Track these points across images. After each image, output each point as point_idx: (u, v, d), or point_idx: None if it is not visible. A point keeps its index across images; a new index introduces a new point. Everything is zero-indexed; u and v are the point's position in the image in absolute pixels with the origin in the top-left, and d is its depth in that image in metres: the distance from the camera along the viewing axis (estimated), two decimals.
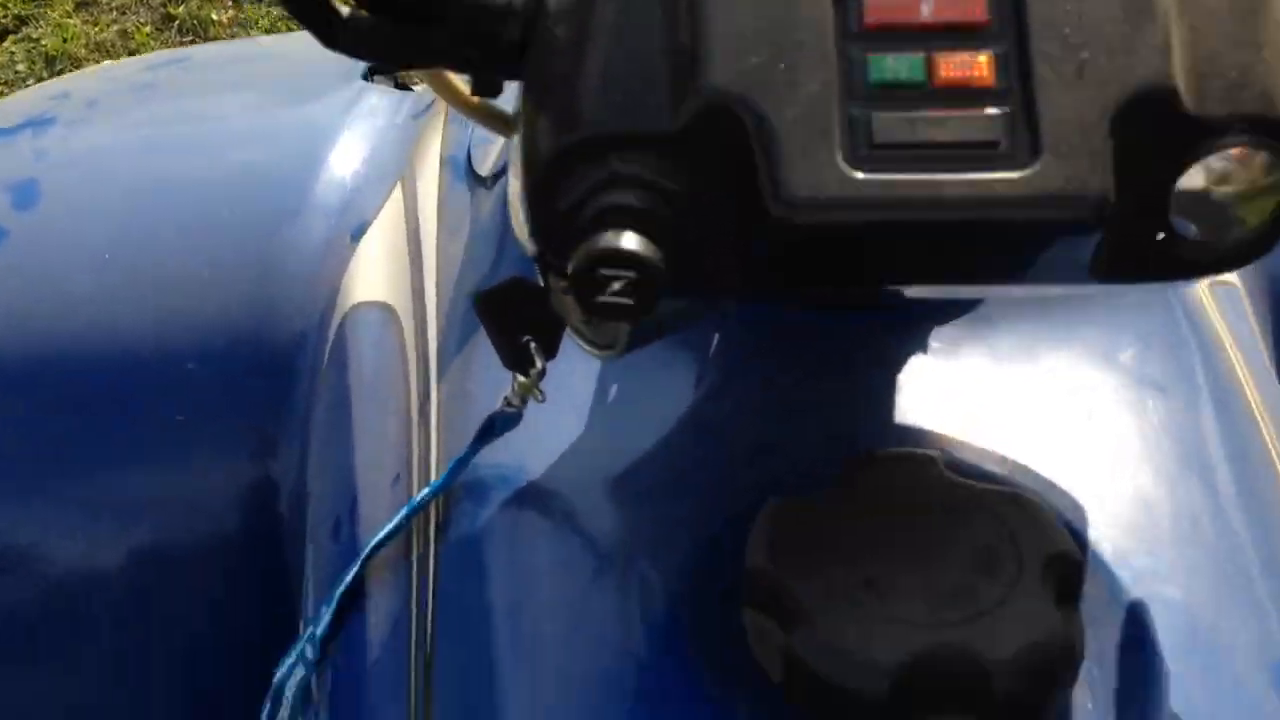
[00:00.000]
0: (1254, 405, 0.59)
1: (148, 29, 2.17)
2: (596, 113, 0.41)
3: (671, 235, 0.40)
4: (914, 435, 0.53)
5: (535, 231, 0.43)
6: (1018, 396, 0.56)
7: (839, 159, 0.39)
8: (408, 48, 0.44)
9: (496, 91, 0.46)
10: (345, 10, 0.43)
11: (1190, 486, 0.54)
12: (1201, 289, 0.63)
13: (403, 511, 0.56)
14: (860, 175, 0.39)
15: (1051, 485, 0.52)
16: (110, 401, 0.71)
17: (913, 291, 0.46)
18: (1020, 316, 0.58)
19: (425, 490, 0.56)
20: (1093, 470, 0.54)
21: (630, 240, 0.40)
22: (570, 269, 0.40)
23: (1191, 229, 0.42)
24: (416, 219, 0.72)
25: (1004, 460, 0.53)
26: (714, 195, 0.41)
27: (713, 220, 0.41)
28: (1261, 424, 0.58)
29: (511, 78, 0.45)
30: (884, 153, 0.40)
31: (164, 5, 2.21)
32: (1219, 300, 0.63)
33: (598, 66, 0.41)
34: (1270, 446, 0.58)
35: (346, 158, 0.78)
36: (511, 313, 0.53)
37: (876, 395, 0.55)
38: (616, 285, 0.40)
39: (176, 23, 2.18)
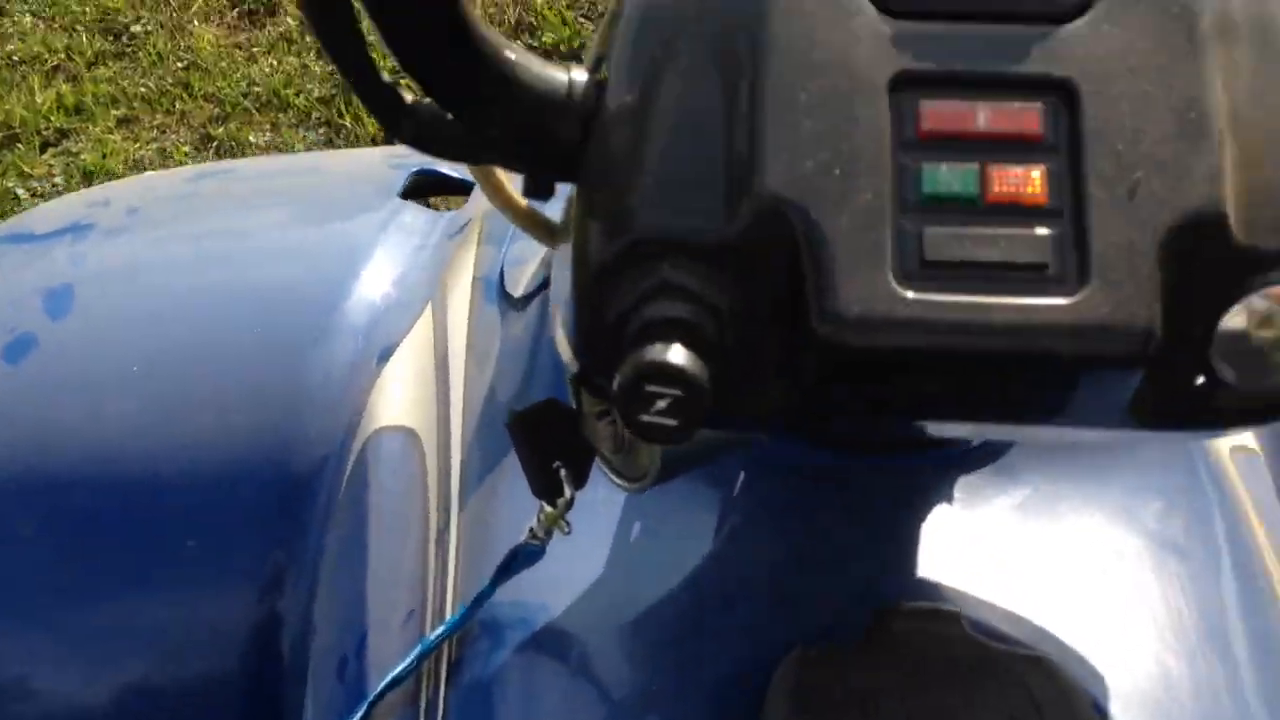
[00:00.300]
0: (1274, 577, 0.56)
1: (186, 148, 2.19)
2: (652, 216, 0.40)
3: (719, 354, 0.39)
4: (937, 590, 0.51)
5: (581, 343, 0.41)
6: (1039, 553, 0.54)
7: (889, 275, 0.38)
8: (466, 141, 0.43)
9: (548, 194, 0.45)
10: (410, 98, 0.42)
11: (1210, 661, 0.52)
12: (1225, 453, 0.61)
13: (414, 652, 0.53)
14: (910, 295, 0.38)
15: (1072, 651, 0.50)
16: (123, 525, 0.69)
17: (943, 431, 0.43)
18: (1043, 468, 0.56)
19: (439, 629, 0.53)
20: (1112, 637, 0.51)
21: (679, 355, 0.38)
22: (616, 383, 0.38)
23: (1230, 374, 0.40)
24: (445, 341, 0.70)
25: (1025, 621, 0.51)
26: (763, 314, 0.39)
27: (760, 341, 0.40)
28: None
29: (566, 179, 0.43)
30: (933, 270, 0.38)
31: (204, 125, 2.24)
32: (1240, 465, 0.61)
33: (655, 169, 0.40)
34: None
35: (378, 278, 0.77)
36: (544, 436, 0.50)
37: (900, 546, 0.53)
38: (661, 404, 0.38)
39: (215, 143, 2.20)
